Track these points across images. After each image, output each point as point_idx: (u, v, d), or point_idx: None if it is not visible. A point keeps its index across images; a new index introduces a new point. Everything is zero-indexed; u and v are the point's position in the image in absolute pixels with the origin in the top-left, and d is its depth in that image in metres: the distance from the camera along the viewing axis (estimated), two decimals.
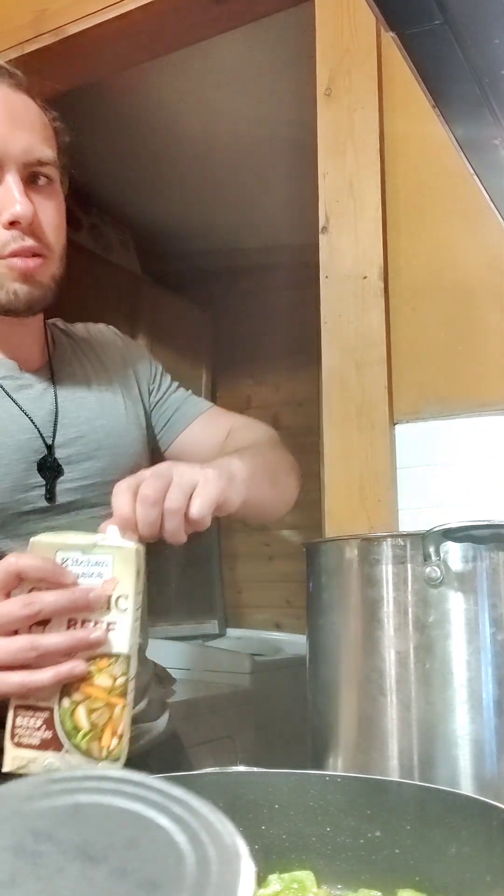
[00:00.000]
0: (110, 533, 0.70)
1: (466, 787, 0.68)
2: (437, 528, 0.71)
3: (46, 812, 0.32)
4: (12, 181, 0.89)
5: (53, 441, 0.94)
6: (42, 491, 0.91)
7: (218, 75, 2.40)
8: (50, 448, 0.93)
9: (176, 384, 1.14)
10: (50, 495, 0.92)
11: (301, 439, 3.52)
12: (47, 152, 0.93)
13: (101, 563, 0.68)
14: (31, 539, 0.69)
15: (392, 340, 1.22)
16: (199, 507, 0.74)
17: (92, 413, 0.99)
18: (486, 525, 0.73)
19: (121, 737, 0.66)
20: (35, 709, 0.67)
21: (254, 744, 2.06)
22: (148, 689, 1.01)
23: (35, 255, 0.91)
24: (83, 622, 0.67)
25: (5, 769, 0.66)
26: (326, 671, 0.78)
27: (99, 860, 0.29)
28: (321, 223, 1.30)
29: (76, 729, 0.66)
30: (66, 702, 0.66)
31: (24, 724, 0.67)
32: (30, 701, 0.67)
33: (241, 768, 0.64)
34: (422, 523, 0.74)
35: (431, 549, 0.71)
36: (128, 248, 3.17)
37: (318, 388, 1.29)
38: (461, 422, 1.15)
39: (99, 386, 1.03)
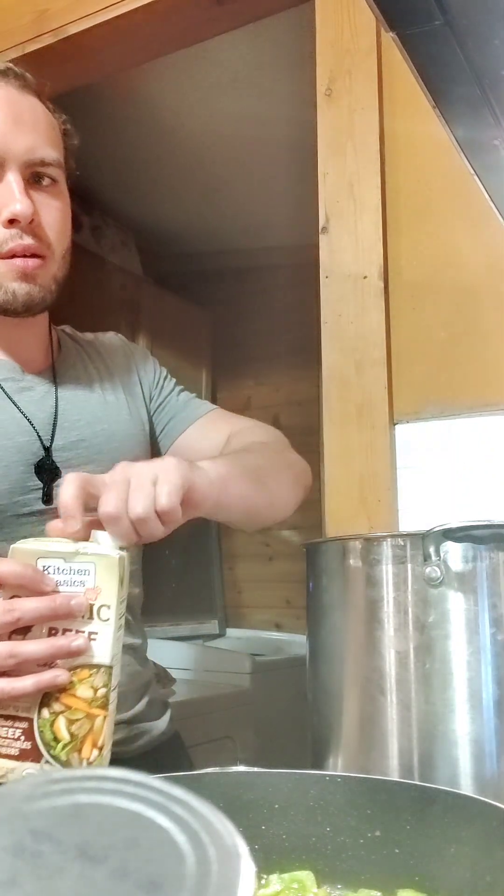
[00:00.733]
0: (96, 539, 0.69)
1: (466, 787, 0.68)
2: (437, 528, 0.71)
3: (46, 812, 0.32)
4: (13, 179, 0.88)
5: (52, 443, 0.93)
6: (39, 494, 0.91)
7: (218, 75, 2.40)
8: (48, 450, 0.93)
9: (180, 388, 1.13)
10: (47, 498, 0.91)
11: (301, 439, 3.52)
12: (51, 153, 0.92)
13: (84, 571, 0.66)
14: (12, 546, 0.68)
15: (392, 340, 1.22)
16: (167, 499, 0.70)
17: (94, 417, 0.99)
18: (486, 525, 0.73)
19: (101, 748, 0.65)
20: (14, 718, 0.66)
21: (254, 744, 2.06)
22: (148, 688, 1.01)
23: (35, 255, 0.90)
24: (64, 631, 0.66)
25: None
26: (326, 671, 0.78)
27: (99, 860, 0.29)
28: (321, 223, 1.30)
29: (56, 740, 0.65)
30: (45, 712, 0.65)
31: (3, 734, 0.66)
32: (9, 710, 0.66)
33: (241, 768, 0.64)
34: (422, 523, 0.74)
35: (431, 549, 0.71)
36: (129, 248, 3.17)
37: (319, 388, 1.29)
38: (461, 422, 1.15)
39: (103, 390, 1.03)
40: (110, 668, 0.66)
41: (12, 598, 0.66)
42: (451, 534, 0.71)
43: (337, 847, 0.58)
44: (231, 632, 3.02)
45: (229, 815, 0.32)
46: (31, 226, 0.89)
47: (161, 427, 1.08)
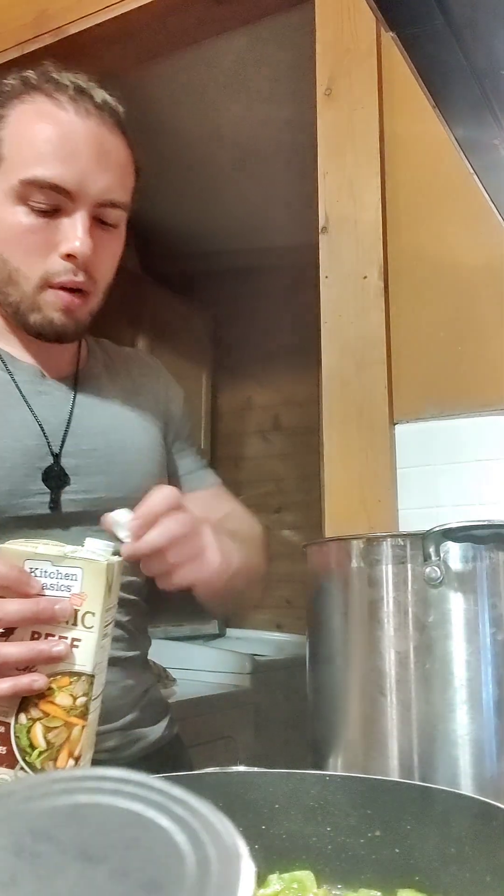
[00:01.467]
0: (87, 545, 0.67)
1: (466, 787, 0.68)
2: (437, 528, 0.71)
3: (46, 812, 0.32)
4: (80, 217, 0.89)
5: (61, 450, 0.93)
6: (45, 499, 0.90)
7: (218, 75, 2.40)
8: (56, 456, 0.92)
9: (198, 446, 1.15)
10: (54, 504, 0.91)
11: (301, 439, 3.53)
12: (123, 197, 0.93)
13: (71, 575, 0.65)
14: (0, 545, 0.67)
15: (392, 340, 1.22)
16: (207, 575, 0.75)
17: (108, 427, 0.98)
18: (486, 525, 0.73)
19: (78, 759, 0.64)
20: None
21: (254, 744, 2.06)
22: (145, 696, 0.99)
23: (80, 290, 0.91)
24: (47, 636, 0.65)
25: None
26: (326, 671, 0.78)
27: (99, 860, 0.29)
28: (321, 223, 1.30)
29: (32, 747, 0.64)
30: (23, 717, 0.64)
31: None
32: None
33: (241, 768, 0.64)
34: (422, 523, 0.74)
35: (431, 549, 0.71)
36: (129, 248, 3.17)
37: (319, 388, 1.29)
38: (461, 422, 1.15)
39: (123, 403, 1.02)
40: (92, 676, 0.65)
41: None
42: (451, 534, 0.71)
43: (337, 847, 0.58)
44: (231, 632, 3.02)
45: (229, 815, 0.32)
46: (84, 263, 0.90)
47: (172, 474, 1.08)
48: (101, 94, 0.92)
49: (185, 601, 0.84)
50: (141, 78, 2.41)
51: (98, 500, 0.93)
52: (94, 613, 0.65)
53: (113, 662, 0.73)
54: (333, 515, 1.23)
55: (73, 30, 1.60)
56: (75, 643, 0.65)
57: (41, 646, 0.64)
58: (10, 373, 0.95)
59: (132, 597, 1.00)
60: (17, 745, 0.64)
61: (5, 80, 0.92)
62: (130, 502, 0.92)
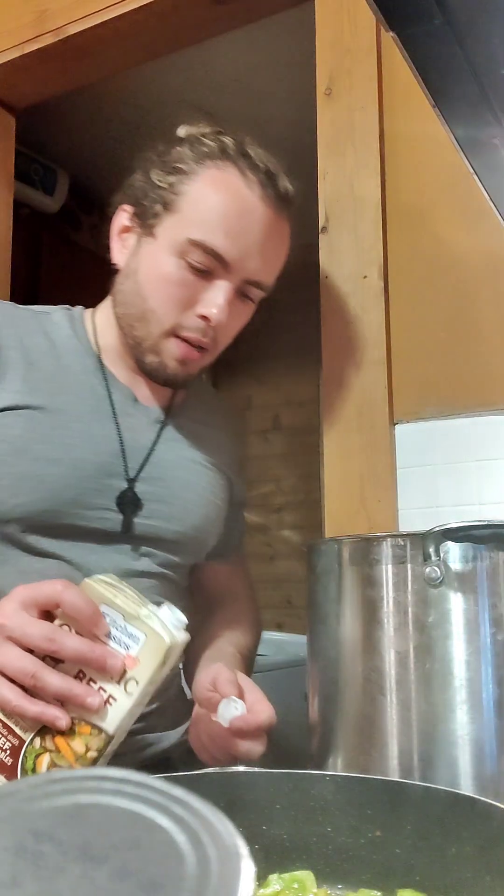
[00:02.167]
0: (163, 612, 0.68)
1: (466, 787, 0.68)
2: (437, 528, 0.71)
3: (47, 812, 0.32)
4: (226, 286, 0.93)
5: (138, 475, 0.97)
6: (107, 515, 0.93)
7: (218, 75, 2.40)
8: (131, 481, 0.96)
9: (244, 514, 1.21)
10: (126, 528, 0.95)
11: (301, 439, 3.53)
12: (269, 281, 0.98)
13: (135, 637, 0.66)
14: (86, 578, 0.68)
15: (392, 340, 1.22)
16: (256, 755, 0.79)
17: (181, 463, 1.02)
18: (486, 525, 0.73)
19: None
20: (11, 732, 0.66)
21: None
22: (157, 712, 0.99)
23: (202, 348, 0.95)
24: (90, 680, 0.66)
25: None
26: (326, 671, 0.78)
27: (100, 860, 0.29)
28: (321, 223, 1.30)
29: (34, 772, 0.64)
30: (37, 742, 0.65)
31: None
32: (11, 722, 0.66)
33: (241, 768, 0.64)
34: (422, 523, 0.74)
35: (431, 549, 0.71)
36: None
37: (319, 388, 1.29)
38: (461, 422, 1.15)
39: (201, 446, 1.06)
40: (111, 737, 0.65)
41: (62, 625, 0.67)
42: (451, 534, 0.71)
43: (337, 847, 0.58)
44: None
45: (229, 815, 0.32)
46: (215, 327, 0.94)
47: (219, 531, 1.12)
48: (284, 184, 0.97)
49: None
50: (141, 78, 2.41)
51: (153, 527, 0.97)
52: (138, 682, 0.65)
53: None
54: (333, 515, 1.23)
55: (73, 30, 1.60)
56: (110, 700, 0.65)
57: (78, 689, 0.65)
58: (108, 391, 0.98)
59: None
60: (23, 765, 0.65)
61: (205, 139, 0.96)
62: (182, 538, 0.99)
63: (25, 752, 0.65)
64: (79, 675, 0.66)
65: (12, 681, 0.66)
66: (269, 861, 0.57)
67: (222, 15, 1.52)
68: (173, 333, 0.94)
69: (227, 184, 0.93)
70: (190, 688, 1.00)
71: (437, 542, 0.71)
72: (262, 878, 0.56)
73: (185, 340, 0.94)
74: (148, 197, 0.96)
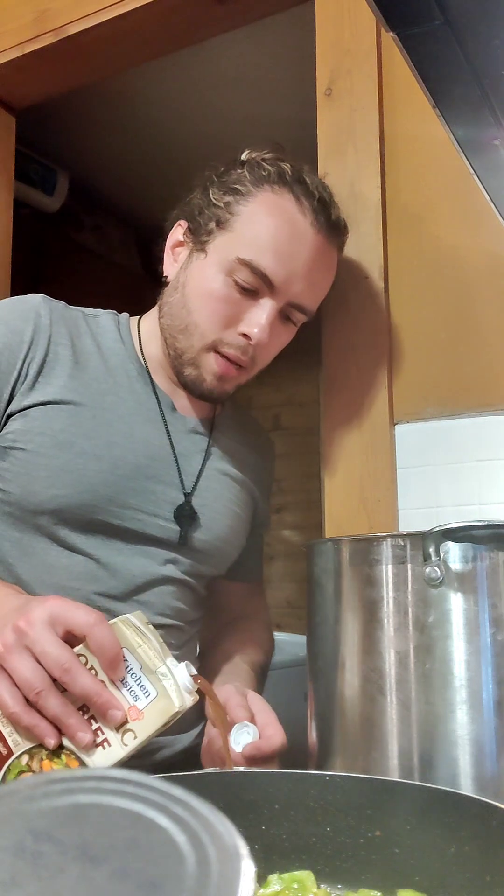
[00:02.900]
0: (180, 671, 0.68)
1: (466, 787, 0.68)
2: (437, 528, 0.71)
3: (46, 812, 0.32)
4: (270, 307, 0.94)
5: (194, 490, 0.99)
6: (136, 515, 0.95)
7: (218, 75, 2.40)
8: (188, 495, 0.99)
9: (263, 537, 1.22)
10: (184, 540, 0.97)
11: (302, 439, 3.53)
12: (312, 306, 1.00)
13: (146, 691, 0.66)
14: (117, 618, 0.69)
15: (392, 341, 1.22)
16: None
17: (208, 473, 1.03)
18: (486, 525, 0.73)
19: None
20: (2, 739, 0.66)
21: None
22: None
23: (240, 366, 0.97)
24: (90, 718, 0.66)
25: None
26: (326, 671, 0.78)
27: (99, 861, 0.29)
28: None
29: None
30: (24, 759, 0.65)
31: None
32: (6, 730, 0.66)
33: (241, 768, 0.64)
34: (422, 523, 0.74)
35: (431, 549, 0.71)
36: (129, 247, 3.17)
37: (320, 388, 1.29)
38: (461, 422, 1.15)
39: (237, 462, 1.08)
40: None
41: (81, 656, 0.67)
42: (451, 534, 0.71)
43: (337, 847, 0.58)
44: None
45: (229, 815, 0.32)
46: (256, 347, 0.95)
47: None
48: (336, 213, 0.99)
49: None
50: (141, 78, 2.41)
51: (189, 538, 0.99)
52: (137, 736, 0.65)
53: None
54: (333, 515, 1.23)
55: (73, 30, 1.60)
56: (105, 744, 0.65)
57: (72, 720, 0.65)
58: (156, 395, 1.01)
59: (179, 622, 1.02)
60: (4, 777, 0.65)
61: (265, 163, 0.97)
62: (209, 547, 1.01)
63: (10, 765, 0.65)
64: (83, 708, 0.66)
65: (18, 688, 0.66)
66: (269, 861, 0.57)
67: (222, 15, 1.52)
68: (214, 348, 0.96)
69: (280, 207, 0.94)
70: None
71: (437, 542, 0.71)
72: (262, 878, 0.56)
73: (225, 357, 0.95)
74: (203, 214, 0.98)
